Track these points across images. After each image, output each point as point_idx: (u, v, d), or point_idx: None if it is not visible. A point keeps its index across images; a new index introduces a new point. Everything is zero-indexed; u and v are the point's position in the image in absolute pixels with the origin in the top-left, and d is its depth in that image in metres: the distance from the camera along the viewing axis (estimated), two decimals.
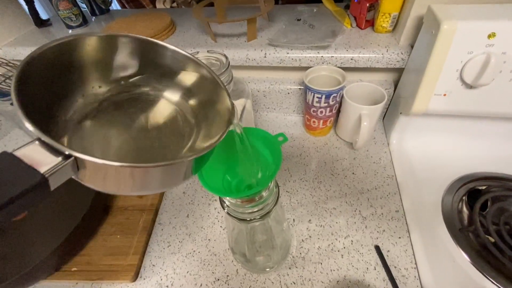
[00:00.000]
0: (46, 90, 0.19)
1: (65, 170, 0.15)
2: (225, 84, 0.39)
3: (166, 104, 0.26)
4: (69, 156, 0.15)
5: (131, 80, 0.25)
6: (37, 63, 0.18)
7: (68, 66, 0.20)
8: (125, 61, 0.24)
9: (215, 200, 0.47)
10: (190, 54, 0.25)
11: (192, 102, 0.26)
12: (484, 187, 0.44)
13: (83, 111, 0.21)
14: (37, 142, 0.15)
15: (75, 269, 0.40)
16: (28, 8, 0.69)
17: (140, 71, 0.25)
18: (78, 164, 0.16)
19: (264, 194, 0.27)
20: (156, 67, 0.25)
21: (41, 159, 0.15)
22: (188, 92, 0.26)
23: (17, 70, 0.16)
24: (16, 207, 0.14)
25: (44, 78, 0.19)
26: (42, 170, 0.15)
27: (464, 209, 0.43)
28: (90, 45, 0.21)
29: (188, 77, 0.26)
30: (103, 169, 0.16)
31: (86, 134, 0.21)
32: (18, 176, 0.14)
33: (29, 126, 0.15)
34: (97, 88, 0.23)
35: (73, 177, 0.16)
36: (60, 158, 0.15)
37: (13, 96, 0.15)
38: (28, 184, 0.14)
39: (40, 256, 0.37)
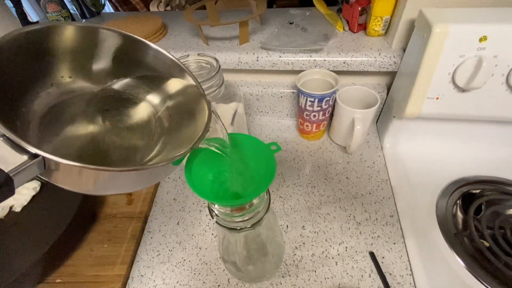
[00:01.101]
0: (12, 79, 0.18)
1: (31, 169, 0.14)
2: (215, 88, 0.39)
3: (142, 105, 0.25)
4: (36, 155, 0.14)
5: (109, 77, 0.23)
6: (5, 51, 0.17)
7: (39, 54, 0.19)
8: (104, 56, 0.22)
9: (207, 207, 0.46)
10: (173, 56, 0.24)
11: (170, 105, 0.25)
12: (478, 191, 0.44)
13: (51, 103, 0.20)
14: (1, 138, 0.14)
15: (59, 280, 0.38)
16: (16, 10, 0.67)
17: (120, 69, 0.24)
18: (45, 163, 0.15)
19: (255, 201, 0.26)
20: (137, 66, 0.24)
21: (6, 157, 0.14)
22: (167, 95, 0.25)
23: None
24: None
25: (11, 66, 0.17)
26: (7, 169, 0.14)
27: (459, 213, 0.42)
28: (66, 35, 0.20)
29: (168, 80, 0.25)
30: (71, 170, 0.15)
31: (53, 129, 0.20)
32: None
33: None
34: (67, 78, 0.21)
35: (39, 175, 0.16)
36: (26, 157, 0.14)
37: None
38: None
39: (21, 268, 0.35)
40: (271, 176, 0.23)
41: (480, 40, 0.35)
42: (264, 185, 0.23)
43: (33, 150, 0.14)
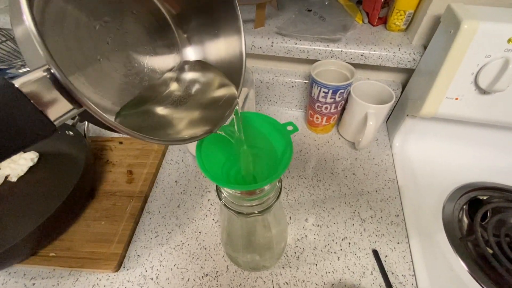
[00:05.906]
0: None
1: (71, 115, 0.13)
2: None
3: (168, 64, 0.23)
4: (81, 106, 0.12)
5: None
6: None
7: None
8: None
9: (209, 191, 0.45)
10: (245, 46, 0.22)
11: (193, 91, 0.23)
12: (485, 197, 0.44)
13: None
14: (45, 73, 0.11)
15: (53, 254, 0.37)
16: None
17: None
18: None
19: (266, 187, 0.25)
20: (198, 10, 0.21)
21: (51, 101, 0.12)
22: (201, 85, 0.23)
23: None
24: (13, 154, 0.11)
25: None
26: (53, 117, 0.12)
27: (465, 218, 0.42)
28: None
29: (218, 78, 0.23)
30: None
31: (59, 27, 0.16)
32: (23, 123, 0.11)
33: (42, 50, 0.11)
34: None
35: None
36: (70, 104, 0.12)
37: None
38: (35, 135, 0.11)
39: (14, 239, 0.34)
40: (287, 160, 0.22)
41: (509, 41, 0.33)
42: (278, 171, 0.22)
43: (87, 104, 0.12)
